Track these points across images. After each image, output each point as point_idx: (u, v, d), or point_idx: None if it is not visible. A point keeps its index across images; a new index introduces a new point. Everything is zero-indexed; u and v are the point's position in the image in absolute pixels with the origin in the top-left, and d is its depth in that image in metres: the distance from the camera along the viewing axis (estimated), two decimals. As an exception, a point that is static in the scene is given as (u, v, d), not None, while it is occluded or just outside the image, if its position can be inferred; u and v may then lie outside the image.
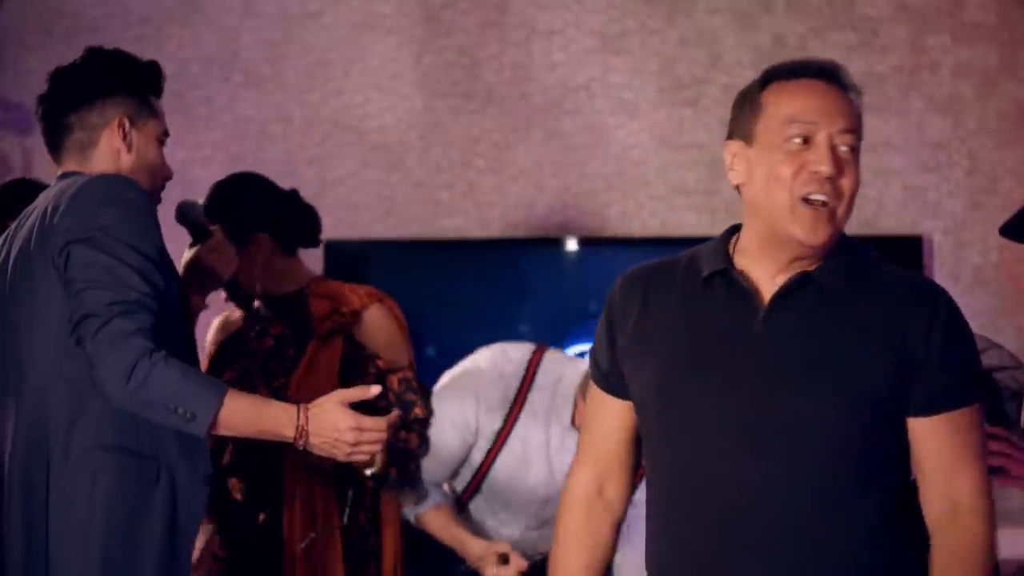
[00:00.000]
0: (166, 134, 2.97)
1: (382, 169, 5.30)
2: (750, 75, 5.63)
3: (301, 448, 2.71)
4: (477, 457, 3.57)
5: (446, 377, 3.63)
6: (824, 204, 2.30)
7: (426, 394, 3.55)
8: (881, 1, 5.20)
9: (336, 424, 2.68)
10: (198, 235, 3.27)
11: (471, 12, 5.29)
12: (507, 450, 3.55)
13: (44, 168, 5.26)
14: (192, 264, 3.23)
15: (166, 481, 2.76)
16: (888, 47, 5.18)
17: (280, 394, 3.40)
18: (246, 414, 2.68)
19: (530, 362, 3.58)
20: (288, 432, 2.69)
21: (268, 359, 3.51)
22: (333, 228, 5.18)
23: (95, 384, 2.64)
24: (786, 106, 2.33)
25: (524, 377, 3.56)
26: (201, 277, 3.22)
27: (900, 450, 2.36)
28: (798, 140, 2.31)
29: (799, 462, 2.29)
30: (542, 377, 3.56)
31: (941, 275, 5.06)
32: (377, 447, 2.74)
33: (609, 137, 5.23)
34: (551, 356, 3.59)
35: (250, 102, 5.32)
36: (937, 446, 2.35)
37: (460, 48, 5.30)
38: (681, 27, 5.25)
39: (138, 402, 2.63)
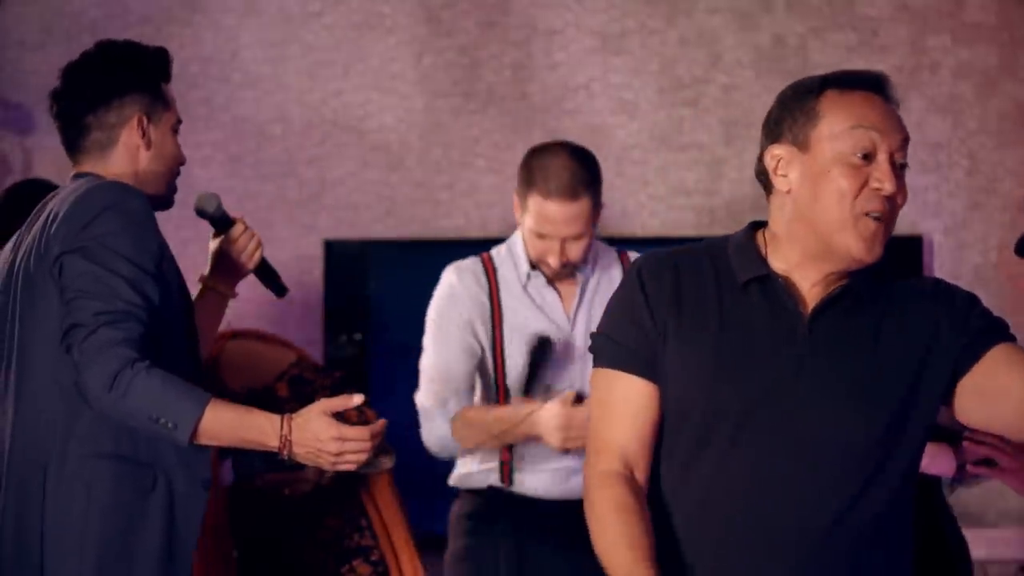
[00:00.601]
0: (179, 122, 2.98)
1: (382, 169, 5.30)
2: (750, 75, 5.67)
3: (286, 458, 2.70)
4: (490, 367, 3.62)
5: (431, 313, 3.69)
6: (880, 220, 2.32)
7: (325, 374, 3.57)
8: (881, 1, 5.20)
9: (318, 434, 2.66)
10: (220, 226, 3.24)
11: (471, 12, 5.29)
12: (508, 334, 3.60)
13: (44, 168, 5.27)
14: (217, 255, 3.22)
15: (163, 488, 2.75)
16: (888, 47, 5.18)
17: None
18: (229, 424, 2.66)
19: (482, 255, 3.68)
20: (272, 442, 2.67)
21: None
22: (333, 228, 5.18)
23: (80, 392, 2.64)
24: (848, 118, 2.32)
25: (484, 264, 3.65)
26: (226, 267, 3.20)
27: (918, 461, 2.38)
28: (860, 154, 2.31)
29: (845, 474, 2.29)
30: (497, 258, 3.67)
31: (941, 275, 5.04)
32: (363, 456, 2.70)
33: (609, 137, 5.23)
34: (495, 248, 3.72)
35: (250, 102, 5.32)
36: (1014, 373, 2.32)
37: (460, 48, 5.29)
38: (681, 27, 5.24)
39: (120, 411, 2.63)
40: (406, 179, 5.29)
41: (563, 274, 3.61)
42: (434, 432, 3.61)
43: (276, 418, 2.68)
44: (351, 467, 2.72)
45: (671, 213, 5.23)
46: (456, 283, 3.65)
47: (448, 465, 3.73)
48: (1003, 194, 5.13)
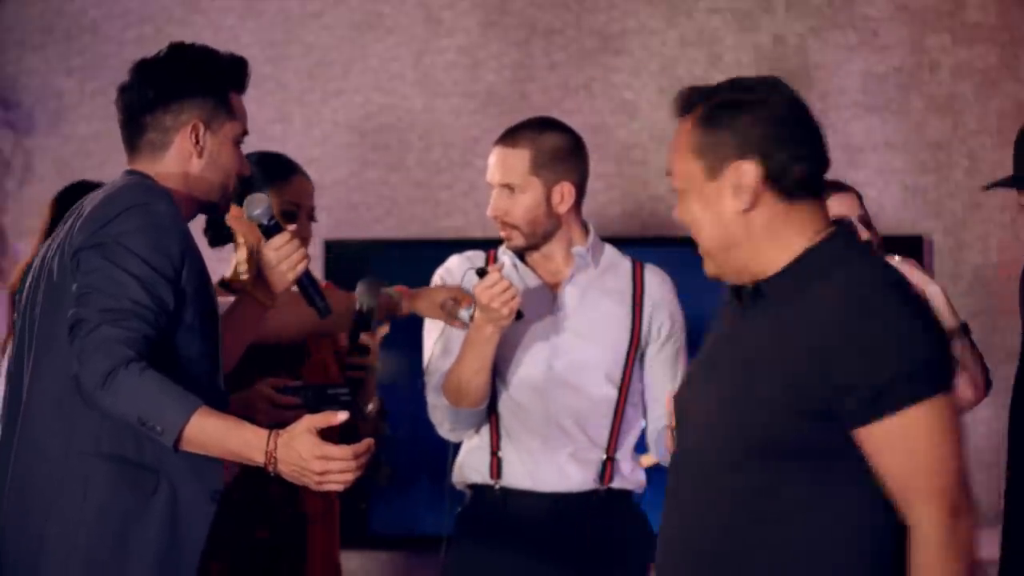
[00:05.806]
0: (245, 133, 2.95)
1: (382, 169, 5.30)
2: (750, 75, 5.63)
3: (272, 474, 2.65)
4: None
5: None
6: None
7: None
8: (881, 1, 5.20)
9: (302, 452, 2.61)
10: (266, 232, 3.11)
11: (471, 12, 5.29)
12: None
13: (44, 168, 5.27)
14: (258, 262, 3.16)
15: (166, 494, 2.71)
16: (888, 47, 5.18)
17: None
18: (215, 434, 2.62)
19: (488, 251, 3.70)
20: (257, 457, 2.63)
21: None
22: (333, 228, 5.18)
23: (76, 387, 2.63)
24: None
25: (487, 254, 3.68)
26: (266, 276, 3.11)
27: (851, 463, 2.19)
28: None
29: (713, 496, 2.31)
30: (499, 250, 3.68)
31: (941, 275, 5.06)
32: (348, 477, 2.63)
33: (609, 137, 5.23)
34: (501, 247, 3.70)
35: (250, 102, 5.31)
36: (883, 461, 2.15)
37: (460, 48, 5.29)
38: (681, 27, 5.24)
39: (111, 410, 2.61)
40: (406, 179, 5.29)
41: (515, 241, 3.58)
42: (437, 414, 3.57)
43: (263, 433, 2.63)
44: (338, 487, 2.65)
45: (671, 213, 5.23)
46: (452, 261, 3.67)
47: (447, 466, 3.72)
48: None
